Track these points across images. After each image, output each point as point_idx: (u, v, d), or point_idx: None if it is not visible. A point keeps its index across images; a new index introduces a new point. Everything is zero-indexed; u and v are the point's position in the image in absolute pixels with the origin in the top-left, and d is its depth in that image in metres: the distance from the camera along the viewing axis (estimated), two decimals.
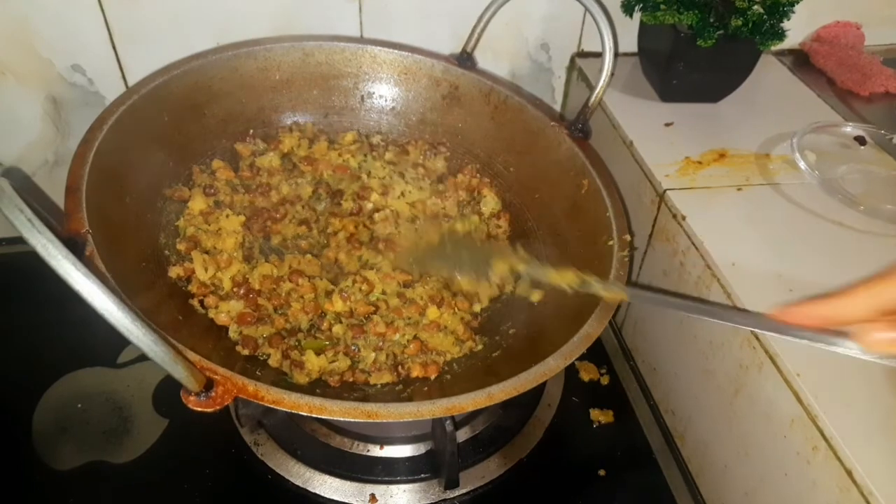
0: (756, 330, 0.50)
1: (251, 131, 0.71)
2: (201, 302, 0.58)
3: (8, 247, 0.77)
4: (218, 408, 0.40)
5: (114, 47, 0.71)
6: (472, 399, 0.44)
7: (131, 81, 0.72)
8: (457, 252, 0.57)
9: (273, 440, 0.61)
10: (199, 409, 0.40)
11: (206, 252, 0.60)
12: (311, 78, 0.72)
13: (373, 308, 0.60)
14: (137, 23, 0.69)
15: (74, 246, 0.47)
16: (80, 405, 0.63)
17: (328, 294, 0.60)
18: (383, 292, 0.61)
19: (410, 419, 0.43)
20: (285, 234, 0.64)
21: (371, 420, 0.42)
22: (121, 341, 0.71)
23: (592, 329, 0.50)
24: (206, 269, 0.58)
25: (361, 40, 0.74)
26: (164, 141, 0.64)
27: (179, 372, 0.37)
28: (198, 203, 0.63)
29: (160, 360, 0.36)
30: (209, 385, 0.41)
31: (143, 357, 0.66)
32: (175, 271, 0.58)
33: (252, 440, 0.61)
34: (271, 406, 0.42)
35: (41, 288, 0.71)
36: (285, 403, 0.42)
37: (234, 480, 0.60)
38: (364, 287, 0.61)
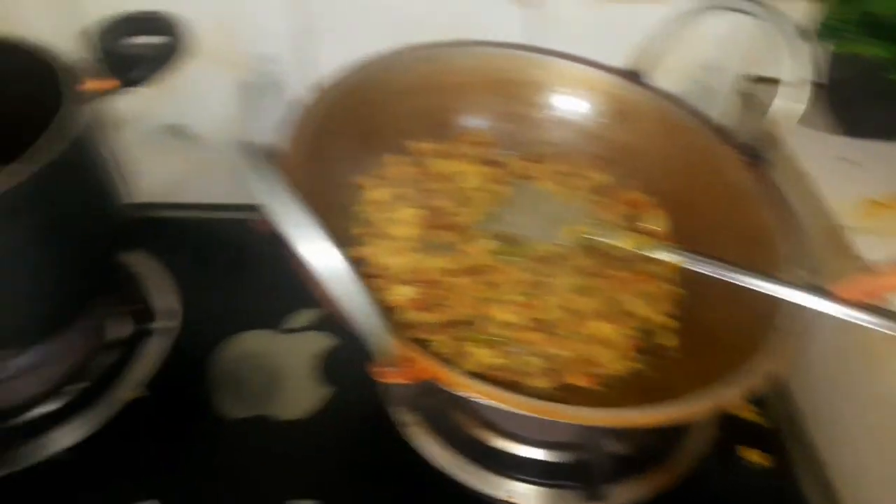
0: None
1: (429, 131, 0.74)
2: (372, 286, 0.61)
3: (211, 212, 0.84)
4: (412, 381, 0.42)
5: (301, 41, 0.77)
6: (664, 412, 0.45)
7: (316, 75, 0.78)
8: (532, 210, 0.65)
9: (422, 423, 0.63)
10: (393, 380, 0.43)
11: (382, 238, 0.64)
12: (490, 84, 0.74)
13: (533, 324, 0.59)
14: (325, 21, 0.75)
15: None
16: (250, 363, 0.70)
17: (488, 301, 0.60)
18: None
19: (606, 425, 0.44)
20: (450, 240, 0.65)
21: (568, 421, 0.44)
22: (287, 308, 0.77)
23: (770, 363, 0.49)
24: (381, 253, 0.62)
25: (544, 51, 0.75)
26: (351, 133, 0.68)
27: (385, 342, 0.41)
28: (376, 193, 0.67)
29: (368, 330, 0.39)
30: (400, 361, 0.44)
31: (307, 326, 0.73)
32: (352, 253, 0.62)
33: (402, 420, 0.64)
34: (461, 393, 0.44)
35: (230, 253, 0.80)
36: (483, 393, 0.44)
37: (381, 455, 0.63)
38: (525, 312, 0.60)
